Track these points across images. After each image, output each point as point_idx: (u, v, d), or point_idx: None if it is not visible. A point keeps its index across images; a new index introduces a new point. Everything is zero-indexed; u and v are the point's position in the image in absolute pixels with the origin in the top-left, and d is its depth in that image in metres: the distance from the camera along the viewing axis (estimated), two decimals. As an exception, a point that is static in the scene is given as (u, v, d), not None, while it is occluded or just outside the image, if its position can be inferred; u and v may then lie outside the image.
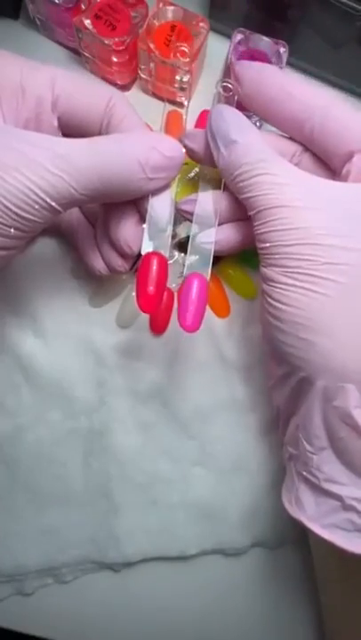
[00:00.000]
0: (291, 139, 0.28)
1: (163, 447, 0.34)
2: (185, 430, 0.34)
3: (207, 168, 0.29)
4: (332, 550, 0.24)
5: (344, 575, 0.29)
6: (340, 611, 0.31)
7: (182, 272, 0.34)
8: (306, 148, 0.28)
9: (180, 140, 0.28)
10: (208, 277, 0.27)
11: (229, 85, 0.28)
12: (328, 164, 0.27)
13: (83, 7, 0.33)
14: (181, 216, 0.29)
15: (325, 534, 0.24)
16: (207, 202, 0.28)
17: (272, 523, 0.34)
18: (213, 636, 0.35)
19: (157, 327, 0.34)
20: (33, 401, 0.34)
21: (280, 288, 0.23)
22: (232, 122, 0.26)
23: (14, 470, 0.34)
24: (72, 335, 0.34)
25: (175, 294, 0.34)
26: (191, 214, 0.28)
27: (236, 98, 0.28)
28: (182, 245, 0.35)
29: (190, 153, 0.29)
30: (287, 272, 0.23)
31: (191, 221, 0.28)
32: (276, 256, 0.23)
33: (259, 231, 0.24)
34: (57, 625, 0.34)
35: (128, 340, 0.34)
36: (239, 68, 0.27)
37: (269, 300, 0.24)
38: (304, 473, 0.25)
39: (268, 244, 0.24)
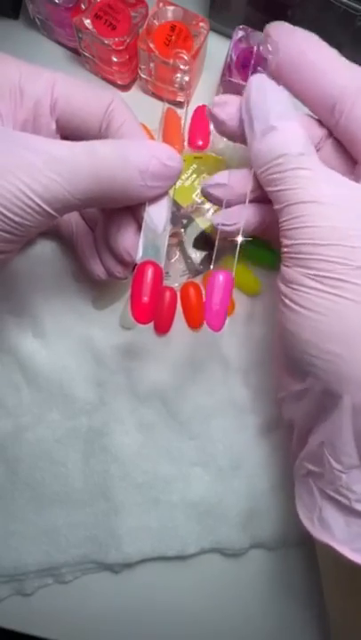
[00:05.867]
0: (317, 121, 0.26)
1: (163, 447, 0.34)
2: (185, 430, 0.34)
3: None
4: (341, 565, 0.23)
5: (354, 590, 0.28)
6: (349, 625, 0.29)
7: (184, 271, 0.34)
8: (330, 134, 0.26)
9: (208, 109, 0.26)
10: (234, 268, 0.25)
11: (271, 45, 0.24)
12: (351, 152, 0.25)
13: (83, 7, 0.33)
14: (208, 199, 0.27)
15: (358, 558, 0.23)
16: (240, 184, 0.25)
17: (271, 524, 0.34)
18: (213, 636, 0.34)
19: (161, 327, 0.34)
20: (33, 401, 0.34)
21: (304, 292, 0.21)
22: (274, 101, 0.23)
23: (14, 470, 0.34)
24: (72, 335, 0.34)
25: (178, 294, 0.34)
26: (220, 200, 0.26)
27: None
28: (197, 241, 0.34)
29: (217, 124, 0.26)
30: (313, 275, 0.21)
31: (219, 205, 0.26)
32: (302, 256, 0.21)
33: (285, 227, 0.22)
34: (57, 625, 0.34)
35: (128, 340, 0.34)
36: (275, 31, 0.24)
37: (290, 304, 0.22)
38: (330, 492, 0.24)
39: (293, 242, 0.22)
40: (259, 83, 0.24)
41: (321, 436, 0.23)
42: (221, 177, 0.26)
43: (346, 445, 0.22)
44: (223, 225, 0.26)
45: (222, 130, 0.26)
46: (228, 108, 0.25)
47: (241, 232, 0.26)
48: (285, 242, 0.22)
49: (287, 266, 0.22)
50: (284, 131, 0.23)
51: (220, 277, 0.24)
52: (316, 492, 0.24)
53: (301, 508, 0.26)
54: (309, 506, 0.25)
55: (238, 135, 0.25)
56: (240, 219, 0.25)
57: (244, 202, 0.26)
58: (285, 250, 0.22)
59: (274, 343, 0.26)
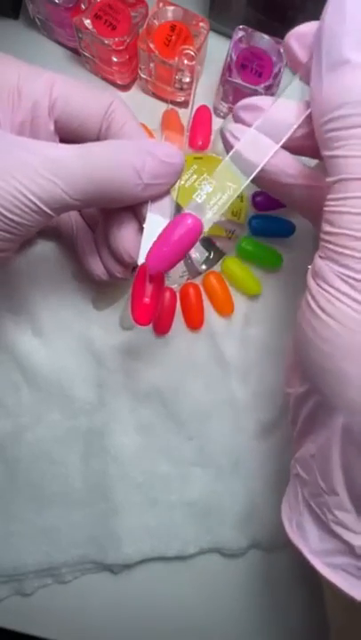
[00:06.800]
0: None
1: (162, 447, 0.34)
2: (184, 430, 0.34)
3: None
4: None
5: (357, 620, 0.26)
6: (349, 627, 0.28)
7: (184, 272, 0.34)
8: None
9: (285, 39, 0.20)
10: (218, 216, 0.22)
11: None
12: None
13: (83, 7, 0.33)
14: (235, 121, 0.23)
15: (328, 573, 0.22)
16: (283, 116, 0.20)
17: (270, 524, 0.34)
18: (212, 635, 0.35)
19: (161, 328, 0.34)
20: (33, 401, 0.34)
21: (331, 294, 0.18)
22: (356, 23, 0.17)
23: (14, 470, 0.34)
24: (72, 335, 0.34)
25: (178, 294, 0.34)
26: (248, 125, 0.21)
27: None
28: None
29: (291, 58, 0.20)
30: (347, 276, 0.17)
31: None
32: (341, 250, 0.17)
33: (330, 208, 0.18)
34: (56, 625, 0.34)
35: (128, 340, 0.34)
36: None
37: (312, 304, 0.19)
38: (312, 504, 0.22)
39: (334, 230, 0.18)
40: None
41: (313, 448, 0.22)
42: (262, 100, 0.21)
43: (333, 468, 0.20)
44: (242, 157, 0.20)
45: (294, 63, 0.20)
46: (306, 40, 0.19)
47: (257, 170, 0.20)
48: (326, 228, 0.18)
49: (321, 257, 0.18)
50: (360, 65, 0.16)
51: (189, 221, 0.22)
52: (300, 497, 0.23)
53: (286, 505, 0.24)
54: (293, 505, 0.24)
55: (308, 73, 0.19)
56: (262, 154, 0.20)
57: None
58: (324, 237, 0.18)
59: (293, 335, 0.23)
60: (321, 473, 0.21)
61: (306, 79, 0.20)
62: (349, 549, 0.21)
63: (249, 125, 0.21)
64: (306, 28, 0.19)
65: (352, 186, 0.17)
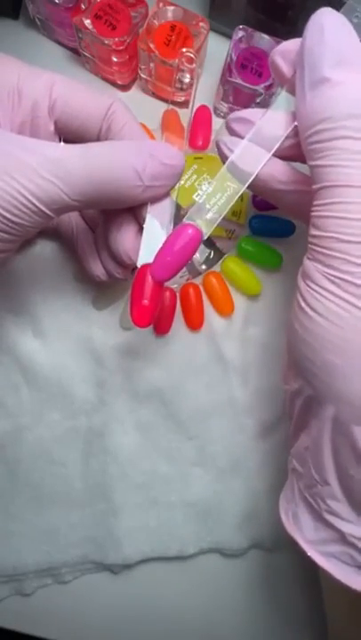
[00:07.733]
0: None
1: (162, 447, 0.34)
2: (184, 430, 0.34)
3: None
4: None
5: (354, 600, 0.27)
6: (349, 629, 0.29)
7: (184, 272, 0.34)
8: None
9: (270, 55, 0.22)
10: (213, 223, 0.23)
11: None
12: None
13: (83, 7, 0.33)
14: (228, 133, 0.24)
15: (322, 562, 0.22)
16: (271, 127, 0.22)
17: (270, 524, 0.34)
18: (212, 635, 0.34)
19: (161, 328, 0.34)
20: (33, 401, 0.34)
21: (319, 293, 0.19)
22: (333, 44, 0.18)
23: (14, 470, 0.34)
24: (72, 335, 0.34)
25: (178, 294, 0.34)
26: (241, 137, 0.23)
27: None
28: None
29: (277, 73, 0.22)
30: (334, 276, 0.18)
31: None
32: (326, 251, 0.18)
33: (315, 213, 0.19)
34: (56, 625, 0.34)
35: (128, 340, 0.34)
36: None
37: (302, 303, 0.20)
38: (307, 495, 0.23)
39: (320, 233, 0.19)
40: (317, 19, 0.19)
41: (307, 441, 0.22)
42: (252, 113, 0.22)
43: (325, 459, 0.21)
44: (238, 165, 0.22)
45: (280, 79, 0.22)
46: (289, 57, 0.20)
47: (252, 179, 0.22)
48: (313, 231, 0.19)
49: (309, 259, 0.20)
50: (340, 85, 0.18)
51: (190, 231, 0.23)
52: (296, 490, 0.24)
53: (283, 499, 0.25)
54: (289, 498, 0.25)
55: (293, 89, 0.20)
56: (255, 164, 0.21)
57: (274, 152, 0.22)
58: (311, 241, 0.19)
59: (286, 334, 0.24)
60: (314, 464, 0.22)
61: (291, 92, 0.21)
62: (342, 537, 0.22)
63: (241, 137, 0.23)
64: (290, 46, 0.21)
65: (335, 192, 0.18)
